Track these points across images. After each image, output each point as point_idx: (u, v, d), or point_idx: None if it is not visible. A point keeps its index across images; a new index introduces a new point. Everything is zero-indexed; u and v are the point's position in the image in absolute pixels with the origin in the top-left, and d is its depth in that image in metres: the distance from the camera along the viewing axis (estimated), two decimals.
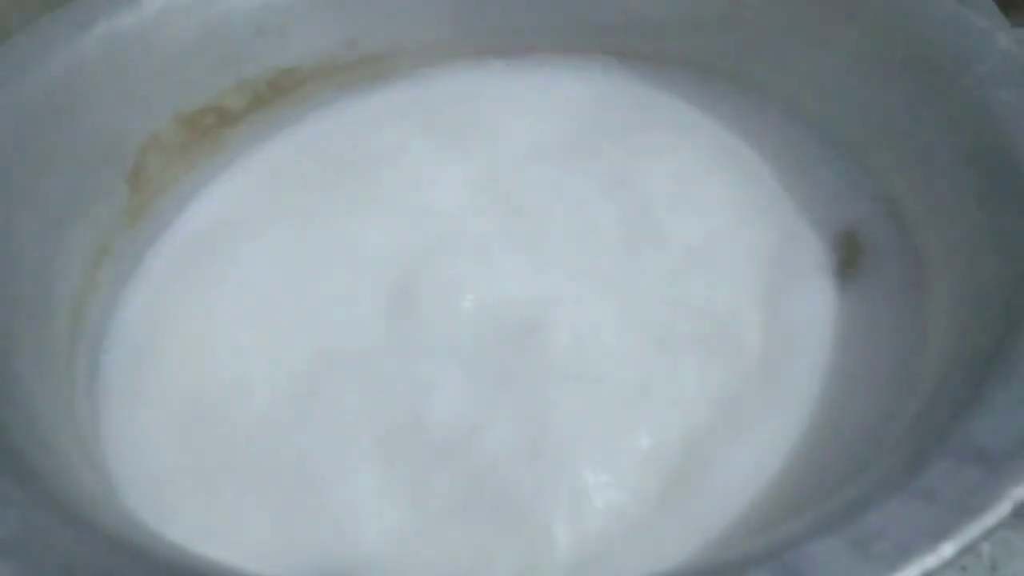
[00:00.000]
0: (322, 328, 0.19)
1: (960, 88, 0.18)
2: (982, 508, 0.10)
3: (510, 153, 0.23)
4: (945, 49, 0.19)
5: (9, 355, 0.16)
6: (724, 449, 0.17)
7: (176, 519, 0.16)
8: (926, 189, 0.19)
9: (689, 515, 0.16)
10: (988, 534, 0.10)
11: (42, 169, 0.19)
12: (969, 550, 0.10)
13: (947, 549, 0.10)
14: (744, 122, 0.23)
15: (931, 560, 0.10)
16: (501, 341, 0.19)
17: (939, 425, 0.12)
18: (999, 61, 0.18)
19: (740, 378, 0.18)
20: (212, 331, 0.20)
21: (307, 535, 0.16)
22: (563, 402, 0.17)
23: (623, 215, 0.21)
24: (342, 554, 0.16)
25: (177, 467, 0.18)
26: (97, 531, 0.11)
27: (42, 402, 0.15)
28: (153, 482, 0.17)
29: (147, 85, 0.22)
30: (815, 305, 0.20)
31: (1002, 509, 0.10)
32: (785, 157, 0.23)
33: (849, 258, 0.21)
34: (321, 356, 0.19)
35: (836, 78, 0.22)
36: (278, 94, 0.24)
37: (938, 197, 0.18)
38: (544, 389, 0.18)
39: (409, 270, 0.20)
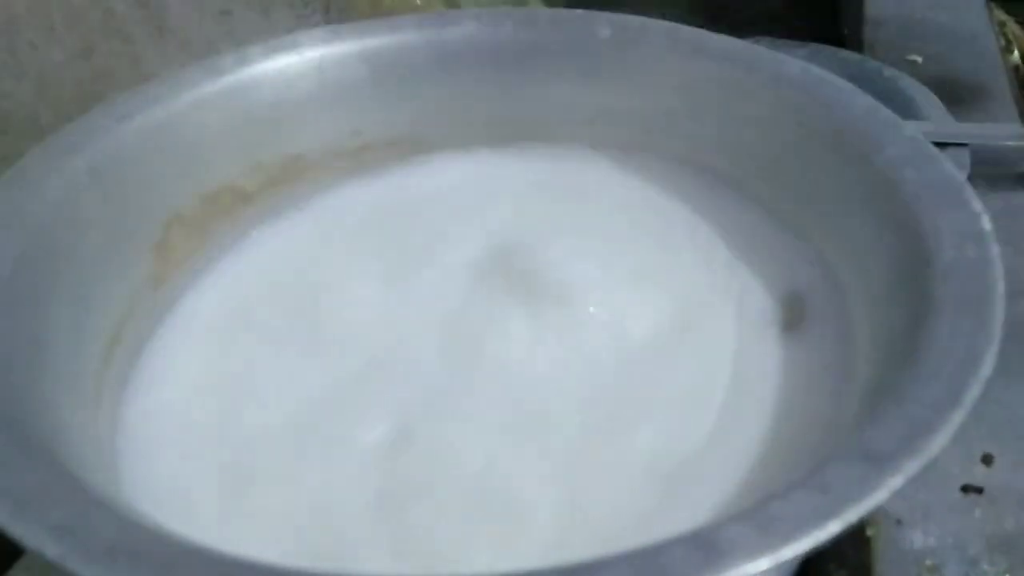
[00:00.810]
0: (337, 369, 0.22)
1: (874, 168, 0.21)
2: (864, 495, 0.13)
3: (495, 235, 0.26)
4: (862, 136, 0.22)
5: (46, 388, 0.18)
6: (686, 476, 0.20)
7: None
8: (851, 254, 0.22)
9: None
10: (868, 514, 0.12)
11: (81, 238, 0.22)
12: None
13: (833, 526, 0.12)
14: (701, 201, 0.27)
15: (819, 534, 0.12)
16: None
17: (844, 438, 0.15)
18: (905, 146, 0.21)
19: (704, 413, 0.21)
20: (225, 388, 0.22)
21: None
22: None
23: (593, 273, 0.24)
24: None
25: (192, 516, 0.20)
26: (133, 524, 0.13)
27: (73, 431, 0.17)
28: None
29: (175, 169, 0.25)
30: (766, 356, 0.22)
31: (880, 496, 0.13)
32: (737, 231, 0.26)
33: (795, 316, 0.24)
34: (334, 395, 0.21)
35: (776, 161, 0.25)
36: (289, 176, 0.27)
37: (860, 261, 0.21)
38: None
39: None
